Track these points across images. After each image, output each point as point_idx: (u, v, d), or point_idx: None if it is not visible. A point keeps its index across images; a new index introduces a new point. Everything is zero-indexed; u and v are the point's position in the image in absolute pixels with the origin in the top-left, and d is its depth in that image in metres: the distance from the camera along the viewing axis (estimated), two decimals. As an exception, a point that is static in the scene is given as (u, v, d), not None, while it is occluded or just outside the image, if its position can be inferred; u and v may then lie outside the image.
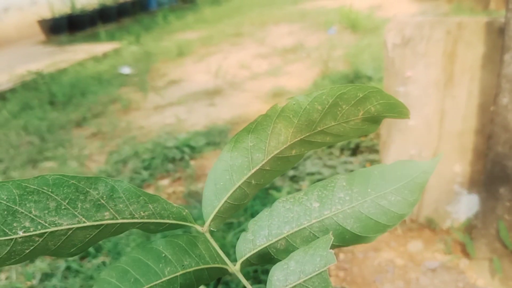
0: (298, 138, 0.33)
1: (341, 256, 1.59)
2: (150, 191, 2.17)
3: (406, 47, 1.56)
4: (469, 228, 1.50)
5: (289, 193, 1.89)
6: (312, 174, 2.02)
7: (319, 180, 1.74)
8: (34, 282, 1.68)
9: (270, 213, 0.36)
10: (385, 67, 1.72)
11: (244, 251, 0.36)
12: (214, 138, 2.66)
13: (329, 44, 4.28)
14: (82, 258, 1.78)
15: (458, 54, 1.44)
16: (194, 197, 2.06)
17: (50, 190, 0.27)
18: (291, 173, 2.10)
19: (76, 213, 0.28)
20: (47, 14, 6.77)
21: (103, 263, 1.70)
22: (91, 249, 1.78)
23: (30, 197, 0.27)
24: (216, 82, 3.85)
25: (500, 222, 1.27)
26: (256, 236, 0.35)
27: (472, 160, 1.50)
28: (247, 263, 0.36)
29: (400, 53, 1.59)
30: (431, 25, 1.48)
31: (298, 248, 0.33)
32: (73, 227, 0.28)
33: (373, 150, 2.16)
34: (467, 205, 1.54)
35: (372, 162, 2.08)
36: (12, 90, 3.99)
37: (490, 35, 1.35)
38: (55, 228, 0.28)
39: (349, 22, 5.07)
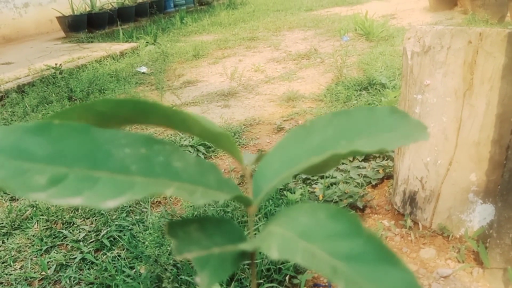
0: None
1: (353, 259, 1.60)
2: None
3: (425, 55, 1.58)
4: (483, 237, 1.50)
5: (302, 195, 1.91)
6: (326, 177, 2.04)
7: (332, 184, 1.74)
8: (49, 272, 1.71)
9: None
10: (403, 75, 1.74)
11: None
12: (229, 139, 2.69)
13: (343, 51, 4.30)
14: (97, 250, 1.81)
15: (478, 64, 1.45)
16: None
17: None
18: (304, 175, 2.11)
19: None
20: (66, 11, 6.88)
21: (118, 255, 1.73)
22: (106, 242, 1.82)
23: None
24: (231, 84, 3.88)
25: (515, 232, 1.28)
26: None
27: (488, 169, 1.51)
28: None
29: (419, 61, 1.61)
30: (452, 34, 1.49)
31: None
32: None
33: (387, 156, 2.17)
34: (481, 214, 1.54)
35: (385, 168, 2.09)
36: (31, 84, 4.06)
37: (512, 46, 1.36)
38: None
39: (363, 30, 5.09)
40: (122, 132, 0.29)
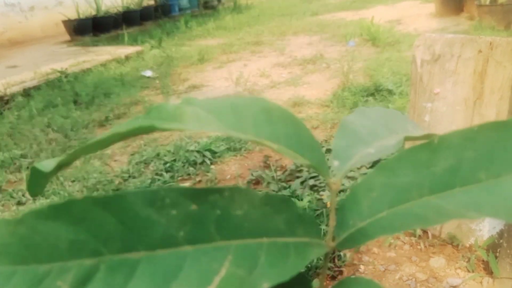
0: None
1: (362, 267, 1.60)
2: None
3: (435, 64, 1.58)
4: (493, 246, 1.49)
5: (310, 202, 1.91)
6: (333, 184, 2.03)
7: (340, 191, 1.73)
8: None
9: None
10: (412, 83, 1.73)
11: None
12: (235, 143, 2.69)
13: (349, 56, 4.30)
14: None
15: (488, 73, 1.45)
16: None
17: None
18: (311, 182, 2.11)
19: None
20: (72, 15, 6.92)
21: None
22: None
23: None
24: (236, 89, 3.89)
25: (527, 243, 1.27)
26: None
27: (498, 179, 1.50)
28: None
29: (429, 69, 1.60)
30: (462, 43, 1.49)
31: None
32: None
33: (395, 164, 2.16)
34: (491, 224, 1.53)
35: (393, 176, 2.07)
36: (36, 88, 4.08)
37: (523, 55, 1.36)
38: None
39: (369, 35, 5.09)
40: (165, 189, 0.23)
